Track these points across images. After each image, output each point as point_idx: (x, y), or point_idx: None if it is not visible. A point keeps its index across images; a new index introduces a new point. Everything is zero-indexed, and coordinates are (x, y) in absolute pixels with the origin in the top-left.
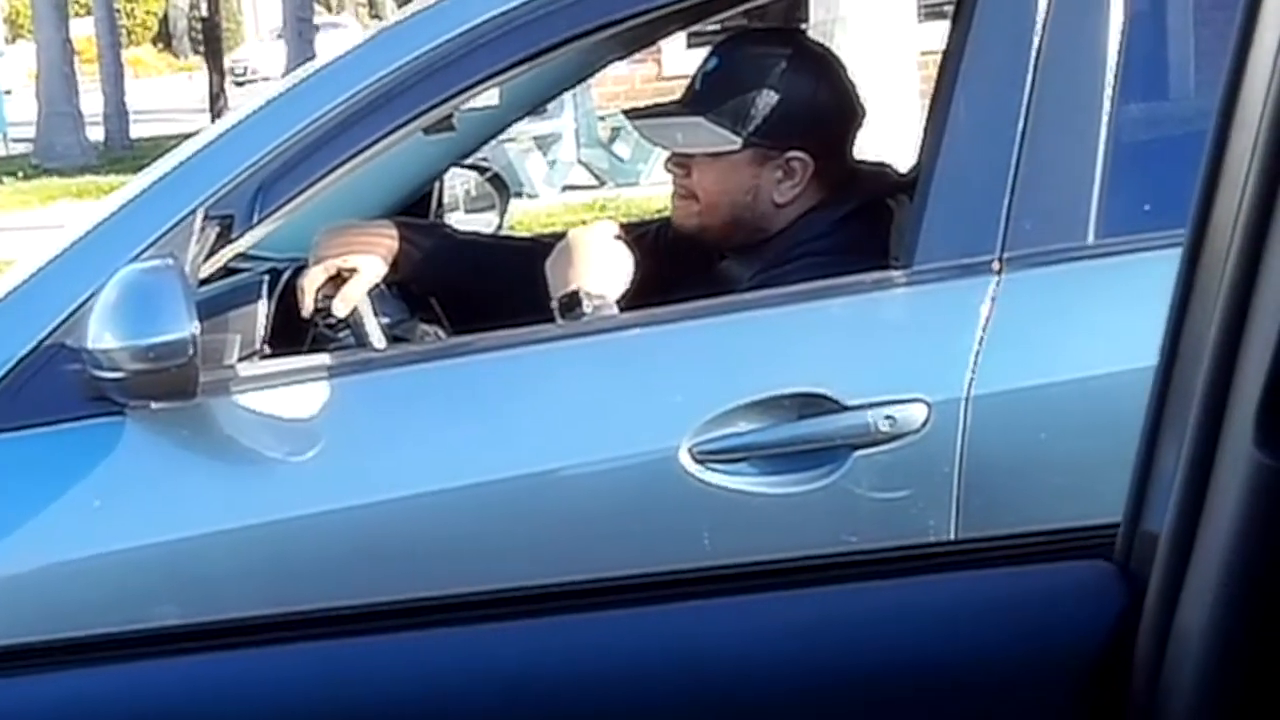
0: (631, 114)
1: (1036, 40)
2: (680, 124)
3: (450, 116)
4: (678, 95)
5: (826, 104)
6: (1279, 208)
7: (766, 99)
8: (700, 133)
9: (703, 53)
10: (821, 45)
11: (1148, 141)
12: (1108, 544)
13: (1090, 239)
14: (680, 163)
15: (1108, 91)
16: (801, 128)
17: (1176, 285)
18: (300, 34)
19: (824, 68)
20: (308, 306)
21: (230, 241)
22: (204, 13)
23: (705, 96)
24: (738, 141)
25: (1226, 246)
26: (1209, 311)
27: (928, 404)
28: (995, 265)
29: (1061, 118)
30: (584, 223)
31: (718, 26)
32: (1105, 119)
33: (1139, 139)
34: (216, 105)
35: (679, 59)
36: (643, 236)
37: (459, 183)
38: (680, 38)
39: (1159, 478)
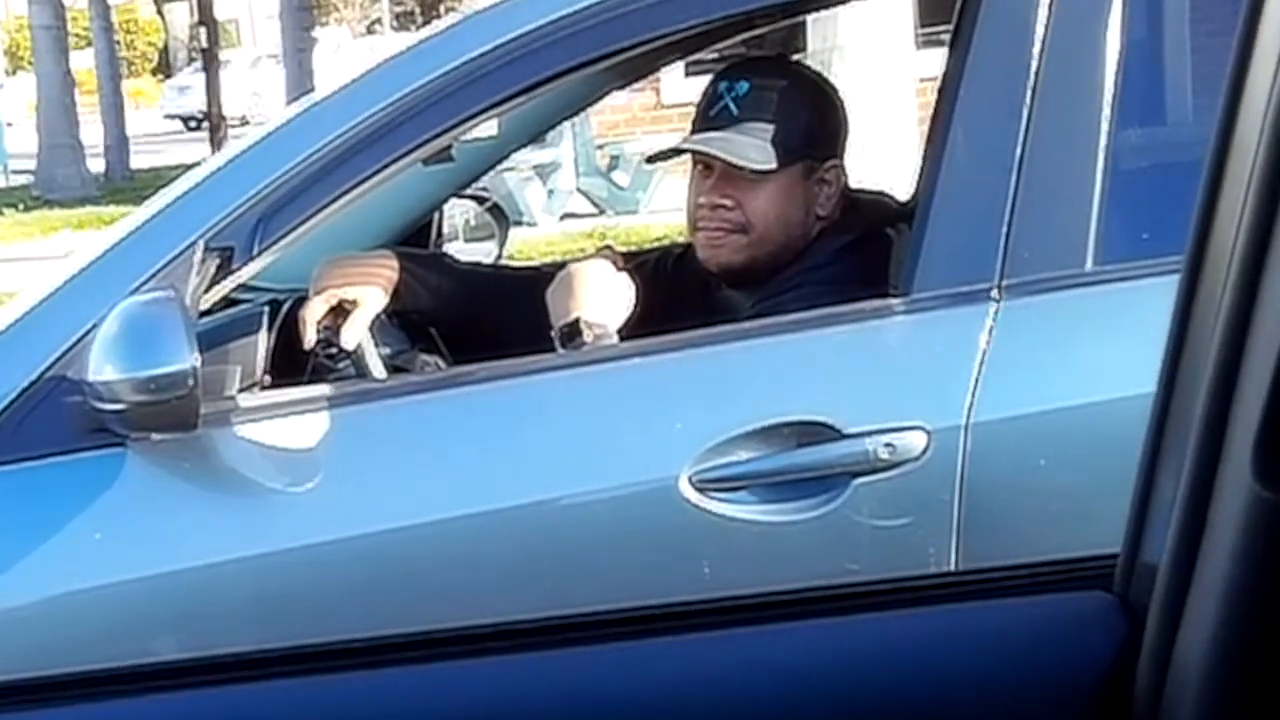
0: (681, 144)
1: (1034, 67)
2: (741, 141)
3: (449, 147)
4: (676, 123)
5: (838, 118)
6: (1275, 239)
7: (803, 112)
8: (760, 150)
9: (701, 81)
10: (811, 68)
11: (1146, 168)
12: (1107, 575)
13: (1089, 266)
14: (727, 194)
15: (1105, 118)
16: (832, 137)
17: (1173, 315)
18: (300, 64)
19: (827, 86)
20: (309, 338)
21: (231, 273)
22: (203, 43)
23: (746, 117)
24: (794, 156)
25: (1223, 277)
26: (1206, 342)
27: (927, 431)
28: (994, 293)
29: (1059, 145)
30: (583, 250)
31: (716, 55)
32: (1103, 146)
33: (1137, 165)
34: (216, 135)
35: (677, 87)
36: (643, 266)
37: (458, 212)
38: (678, 66)
39: (1157, 509)
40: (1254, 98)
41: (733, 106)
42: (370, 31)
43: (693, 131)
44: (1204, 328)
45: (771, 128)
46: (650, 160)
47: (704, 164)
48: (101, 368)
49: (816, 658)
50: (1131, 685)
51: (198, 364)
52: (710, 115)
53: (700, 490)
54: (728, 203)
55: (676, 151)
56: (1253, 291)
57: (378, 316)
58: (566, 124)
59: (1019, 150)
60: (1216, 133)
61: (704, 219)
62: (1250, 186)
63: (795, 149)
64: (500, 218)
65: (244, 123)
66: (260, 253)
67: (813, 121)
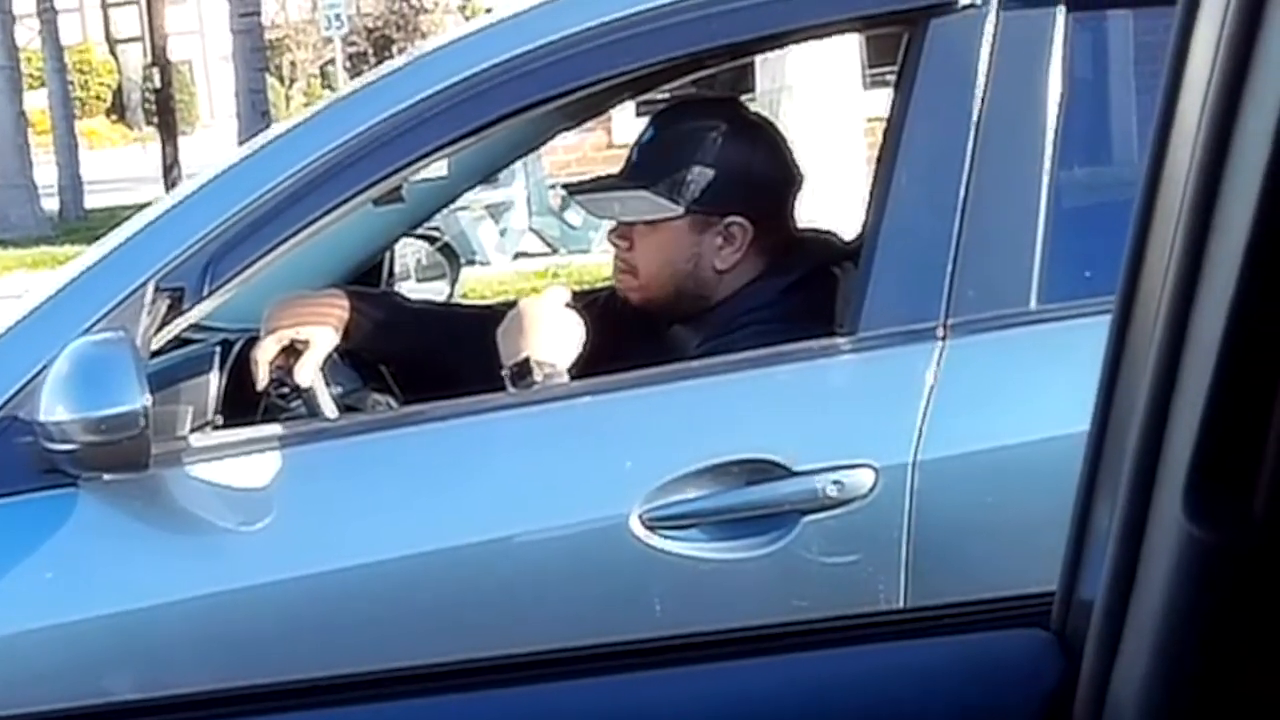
0: (573, 188)
1: (977, 108)
2: (620, 196)
3: (399, 188)
4: None
5: (763, 169)
6: (1203, 280)
7: (703, 166)
8: (640, 203)
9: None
10: (757, 114)
11: (1089, 207)
12: (1044, 612)
13: (1033, 305)
14: (623, 235)
15: (1048, 158)
16: (739, 193)
17: (1105, 356)
18: (253, 105)
19: (759, 134)
20: (260, 378)
21: (182, 313)
22: (157, 84)
23: (643, 167)
24: (677, 209)
25: (1153, 318)
26: (1138, 383)
27: (875, 469)
28: (940, 332)
29: (1003, 185)
30: (535, 290)
31: (667, 95)
32: (1046, 185)
33: (1080, 205)
34: (170, 176)
35: (629, 127)
36: (593, 304)
37: (410, 252)
38: (629, 106)
39: (1093, 547)
40: (1181, 137)
41: (635, 154)
42: (323, 72)
43: None
44: (1136, 368)
45: (661, 180)
46: (567, 188)
47: None
48: (52, 408)
49: (755, 697)
50: None
51: (149, 404)
52: (626, 160)
53: (650, 528)
54: (623, 244)
55: (573, 194)
56: (1182, 333)
57: (329, 356)
58: (518, 164)
59: (963, 190)
60: (1146, 173)
61: (615, 255)
62: (1178, 227)
63: (684, 203)
64: (451, 257)
65: None
66: (211, 293)
67: (716, 176)
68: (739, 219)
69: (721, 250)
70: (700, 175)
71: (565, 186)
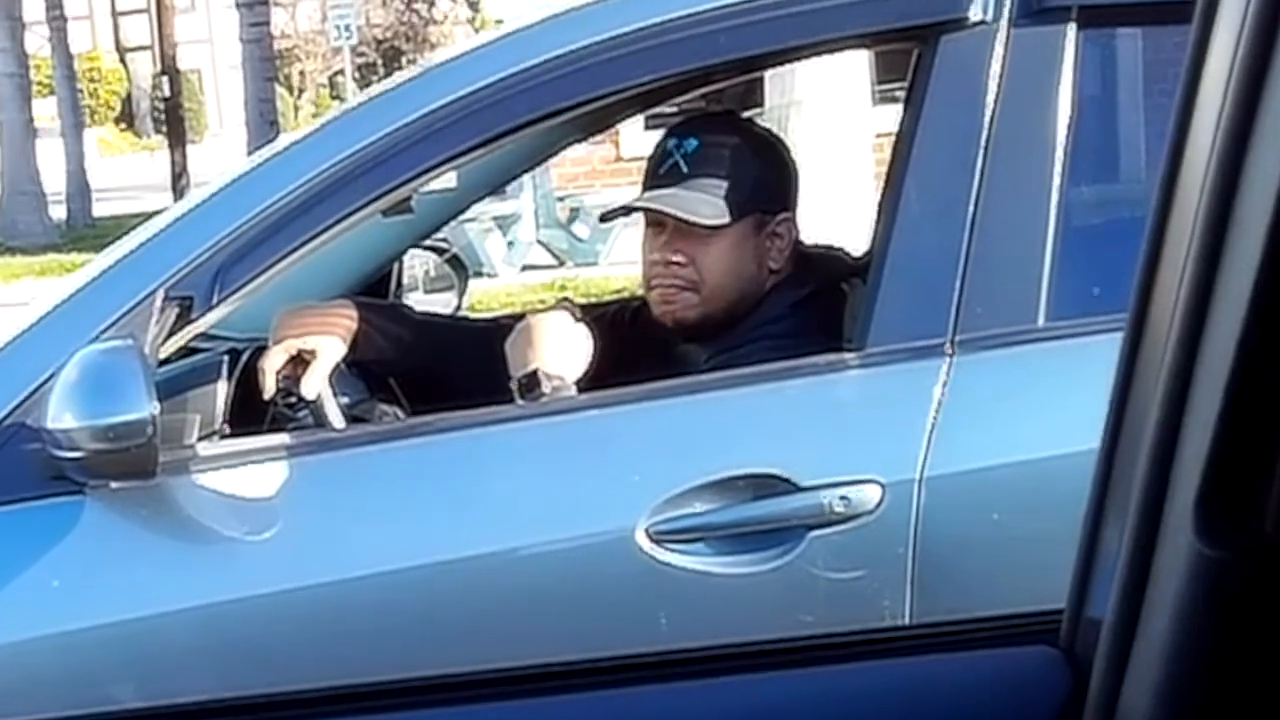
0: (631, 203)
1: (987, 125)
2: (691, 197)
3: (408, 199)
4: (635, 176)
5: (791, 170)
6: (1215, 298)
7: (752, 167)
8: (711, 204)
9: (660, 135)
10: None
11: (1097, 225)
12: (1053, 629)
13: (1040, 322)
14: (678, 250)
15: (1057, 175)
16: (783, 190)
17: (1117, 373)
18: (261, 115)
19: (778, 140)
20: (268, 387)
21: (190, 322)
22: (166, 93)
23: (696, 173)
24: (742, 211)
25: (1165, 337)
26: (1149, 399)
27: (881, 485)
28: (947, 348)
29: (1012, 202)
30: (543, 302)
31: (675, 109)
32: (1055, 203)
33: (1089, 222)
34: (179, 184)
35: (637, 141)
36: (601, 318)
37: (418, 263)
38: (638, 120)
39: (1102, 564)
40: (1194, 155)
41: (682, 163)
42: (332, 83)
43: (643, 189)
44: (1146, 386)
45: (721, 183)
46: (604, 219)
47: (656, 221)
48: (60, 415)
49: (760, 711)
50: None
51: (156, 412)
52: (660, 173)
53: (657, 542)
54: (680, 259)
55: (629, 210)
56: (1194, 350)
57: (337, 366)
58: (526, 176)
59: (972, 207)
60: (1159, 190)
61: (657, 276)
62: (1190, 245)
63: (745, 203)
64: (459, 269)
65: None
66: (220, 302)
67: (762, 176)
68: (786, 214)
69: (771, 249)
70: (752, 174)
71: (622, 208)
